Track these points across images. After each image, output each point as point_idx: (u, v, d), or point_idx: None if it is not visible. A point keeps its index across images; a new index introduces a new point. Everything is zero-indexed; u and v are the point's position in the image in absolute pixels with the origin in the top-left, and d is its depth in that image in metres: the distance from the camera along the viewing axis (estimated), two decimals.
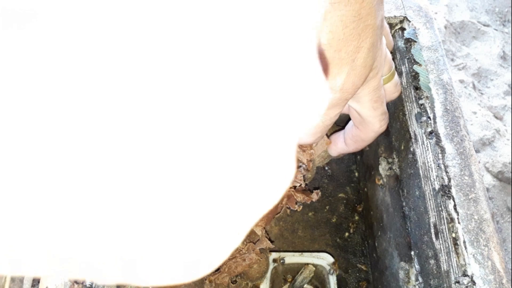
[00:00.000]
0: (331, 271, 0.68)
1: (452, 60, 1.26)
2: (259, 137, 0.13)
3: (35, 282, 0.50)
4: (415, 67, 0.55)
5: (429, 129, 0.50)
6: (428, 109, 0.51)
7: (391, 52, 0.62)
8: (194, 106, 0.11)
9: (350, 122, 0.49)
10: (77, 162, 0.11)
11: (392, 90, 0.45)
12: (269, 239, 0.58)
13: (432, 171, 0.48)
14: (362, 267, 0.74)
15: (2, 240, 0.11)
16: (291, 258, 0.69)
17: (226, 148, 0.12)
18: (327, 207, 0.80)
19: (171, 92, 0.11)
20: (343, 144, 0.51)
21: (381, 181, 0.65)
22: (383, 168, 0.66)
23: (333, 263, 0.69)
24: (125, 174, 0.11)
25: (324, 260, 0.69)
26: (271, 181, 0.14)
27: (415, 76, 0.54)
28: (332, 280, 0.67)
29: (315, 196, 0.58)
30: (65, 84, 0.10)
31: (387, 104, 0.65)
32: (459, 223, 0.44)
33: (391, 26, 0.59)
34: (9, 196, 0.10)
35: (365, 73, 0.32)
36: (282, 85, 0.13)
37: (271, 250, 0.67)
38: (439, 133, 0.49)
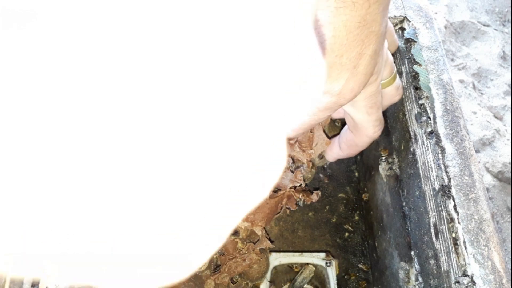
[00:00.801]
0: (328, 263, 0.68)
1: (452, 60, 1.26)
2: (248, 135, 0.13)
3: (35, 282, 0.50)
4: (415, 67, 0.55)
5: (429, 129, 0.50)
6: (428, 109, 0.51)
7: (395, 52, 0.62)
8: (186, 103, 0.11)
9: (345, 127, 0.49)
10: (76, 162, 0.11)
11: (393, 93, 0.44)
12: (269, 239, 0.58)
13: (432, 171, 0.48)
14: (362, 267, 0.74)
15: (5, 240, 0.11)
16: (291, 258, 0.69)
17: (216, 146, 0.12)
18: (327, 207, 0.80)
19: (164, 92, 0.11)
20: (338, 149, 0.50)
21: (387, 152, 0.65)
22: (383, 168, 0.66)
23: (327, 255, 0.69)
24: (119, 175, 0.11)
25: (324, 260, 0.69)
26: (259, 178, 0.14)
27: (415, 76, 0.54)
28: (331, 273, 0.67)
29: (315, 196, 0.58)
30: (65, 84, 0.10)
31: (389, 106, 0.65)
32: (459, 223, 0.44)
33: None
34: (11, 195, 0.10)
35: (365, 80, 0.31)
36: (273, 83, 0.14)
37: (271, 250, 0.67)
38: (439, 133, 0.49)
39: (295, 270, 0.68)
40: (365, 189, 0.77)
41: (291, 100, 0.15)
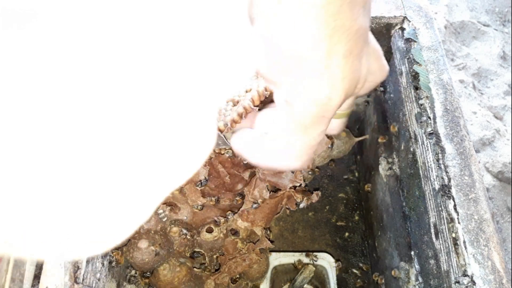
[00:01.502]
0: (315, 259, 0.69)
1: (452, 60, 1.26)
2: (178, 108, 0.13)
3: (35, 282, 0.50)
4: (415, 67, 0.55)
5: (429, 129, 0.50)
6: (428, 109, 0.51)
7: (394, 52, 0.62)
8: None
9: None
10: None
11: (338, 128, 0.33)
12: (269, 239, 0.58)
13: (432, 171, 0.48)
14: (362, 266, 0.74)
15: None
16: (290, 258, 0.69)
17: (147, 118, 0.13)
18: (327, 207, 0.80)
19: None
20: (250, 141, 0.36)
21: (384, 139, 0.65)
22: (383, 168, 0.66)
23: (307, 255, 0.69)
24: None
25: (324, 260, 0.69)
26: (189, 152, 0.15)
27: (415, 76, 0.54)
28: (331, 273, 0.67)
29: (315, 197, 0.58)
30: (62, 83, 0.10)
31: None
32: (459, 223, 0.44)
33: (391, 26, 0.59)
34: None
35: (343, 86, 0.26)
36: (206, 54, 0.14)
37: (271, 250, 0.67)
38: (439, 133, 0.49)
39: (299, 267, 0.68)
40: (366, 185, 0.77)
41: (222, 73, 0.15)
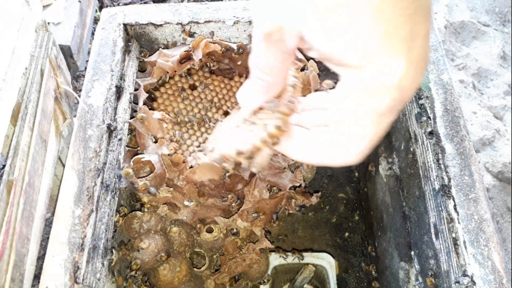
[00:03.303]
0: (301, 257, 0.68)
1: (452, 60, 1.26)
2: None
3: (35, 282, 0.50)
4: None
5: (429, 129, 0.50)
6: (428, 109, 0.51)
7: None
8: None
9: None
10: None
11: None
12: (269, 239, 0.58)
13: (432, 171, 0.48)
14: (362, 263, 0.74)
15: None
16: (289, 258, 0.69)
17: None
18: (327, 207, 0.80)
19: None
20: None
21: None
22: (383, 168, 0.66)
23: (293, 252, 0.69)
24: None
25: (325, 260, 0.69)
26: None
27: None
28: (331, 273, 0.67)
29: (314, 199, 0.58)
30: None
31: None
32: (459, 223, 0.44)
33: None
34: None
35: (423, 67, 0.25)
36: None
37: (271, 250, 0.67)
38: (439, 133, 0.49)
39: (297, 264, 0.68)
40: (365, 189, 0.77)
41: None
